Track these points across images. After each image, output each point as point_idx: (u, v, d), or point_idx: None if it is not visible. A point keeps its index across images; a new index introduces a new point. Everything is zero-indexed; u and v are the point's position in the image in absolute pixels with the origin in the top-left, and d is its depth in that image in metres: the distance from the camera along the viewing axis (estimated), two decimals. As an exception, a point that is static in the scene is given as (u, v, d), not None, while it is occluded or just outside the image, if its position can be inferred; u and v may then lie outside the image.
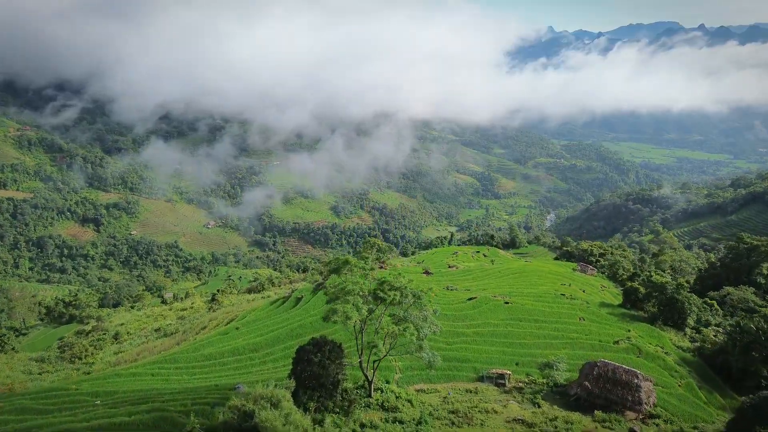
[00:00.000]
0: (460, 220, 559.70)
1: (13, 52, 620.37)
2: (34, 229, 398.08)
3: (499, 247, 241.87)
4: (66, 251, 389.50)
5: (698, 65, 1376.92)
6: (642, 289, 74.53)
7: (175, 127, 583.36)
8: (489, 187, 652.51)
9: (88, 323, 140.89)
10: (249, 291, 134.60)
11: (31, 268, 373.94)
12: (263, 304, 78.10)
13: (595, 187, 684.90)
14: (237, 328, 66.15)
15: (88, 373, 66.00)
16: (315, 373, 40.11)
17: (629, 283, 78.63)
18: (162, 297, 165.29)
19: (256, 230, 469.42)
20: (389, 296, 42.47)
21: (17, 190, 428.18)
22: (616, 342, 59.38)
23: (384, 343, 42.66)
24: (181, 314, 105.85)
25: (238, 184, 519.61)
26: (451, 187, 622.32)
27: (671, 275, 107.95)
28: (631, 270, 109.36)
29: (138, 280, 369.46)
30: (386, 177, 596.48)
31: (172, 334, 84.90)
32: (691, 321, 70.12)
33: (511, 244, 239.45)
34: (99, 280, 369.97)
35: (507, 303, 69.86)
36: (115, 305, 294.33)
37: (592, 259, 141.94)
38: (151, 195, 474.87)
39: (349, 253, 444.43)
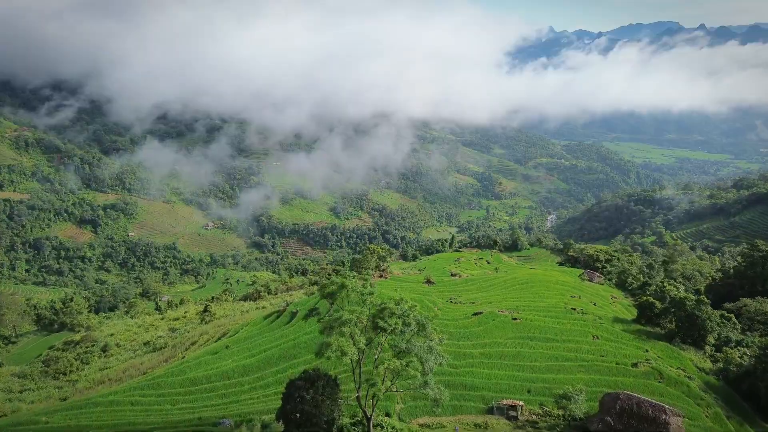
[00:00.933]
0: (460, 220, 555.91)
1: (9, 51, 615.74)
2: (31, 231, 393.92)
3: (501, 250, 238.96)
4: (63, 253, 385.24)
5: (699, 65, 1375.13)
6: (658, 304, 70.20)
7: (173, 128, 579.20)
8: (489, 188, 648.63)
9: (78, 331, 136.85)
10: (245, 298, 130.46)
11: (27, 270, 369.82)
12: (256, 318, 73.83)
13: (596, 187, 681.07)
14: (227, 347, 61.84)
15: (65, 399, 61.62)
16: (307, 411, 35.73)
17: (643, 297, 74.18)
18: (157, 303, 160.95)
19: (255, 231, 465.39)
20: (390, 325, 38.08)
21: (14, 191, 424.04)
22: (635, 364, 55.06)
23: (384, 380, 38.11)
24: (173, 325, 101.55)
25: (236, 185, 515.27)
26: (451, 187, 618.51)
27: (683, 284, 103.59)
28: (642, 279, 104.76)
29: (135, 282, 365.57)
30: (386, 177, 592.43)
31: (161, 348, 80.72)
32: (711, 339, 65.79)
33: (512, 247, 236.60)
34: (96, 282, 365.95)
35: (515, 319, 65.51)
36: (112, 308, 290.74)
37: (599, 265, 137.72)
38: (149, 196, 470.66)
39: (348, 254, 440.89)
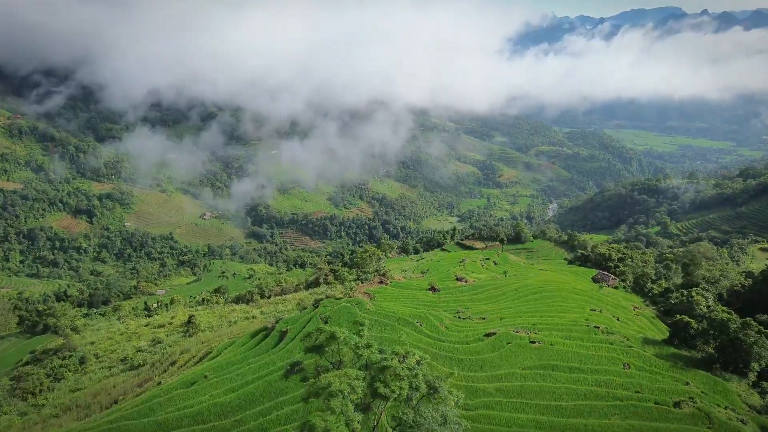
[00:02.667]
0: (461, 210, 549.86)
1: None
2: (25, 221, 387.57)
3: (504, 243, 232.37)
4: (58, 244, 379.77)
5: (703, 51, 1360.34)
6: (694, 324, 62.52)
7: (168, 115, 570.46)
8: (490, 176, 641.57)
9: (62, 334, 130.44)
10: (237, 300, 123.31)
11: (21, 262, 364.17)
12: (243, 337, 66.26)
13: (597, 176, 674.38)
14: (205, 376, 54.44)
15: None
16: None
17: (679, 316, 66.22)
18: (146, 303, 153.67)
19: (254, 221, 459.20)
20: (394, 390, 30.11)
21: (7, 180, 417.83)
22: (677, 404, 47.30)
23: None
24: (157, 333, 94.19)
25: (233, 174, 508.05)
26: (452, 176, 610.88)
27: (707, 289, 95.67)
28: (663, 285, 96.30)
29: (132, 274, 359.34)
30: (385, 166, 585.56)
31: (138, 366, 73.48)
32: (756, 365, 58.22)
33: (516, 239, 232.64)
34: (91, 273, 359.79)
35: (533, 342, 57.78)
36: (105, 302, 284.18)
37: (611, 264, 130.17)
38: (145, 185, 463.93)
39: (348, 244, 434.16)
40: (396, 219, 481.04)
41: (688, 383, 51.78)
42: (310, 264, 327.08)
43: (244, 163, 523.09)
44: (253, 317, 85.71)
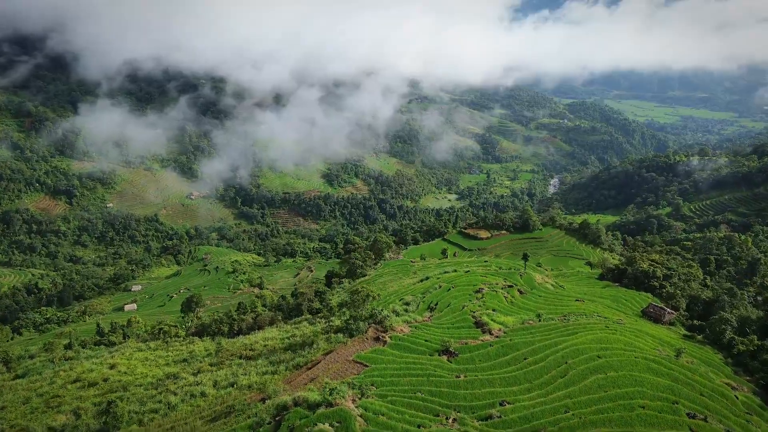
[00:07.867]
0: (460, 186, 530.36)
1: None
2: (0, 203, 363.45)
3: (511, 231, 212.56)
4: (35, 227, 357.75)
5: (709, 18, 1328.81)
6: None
7: (149, 86, 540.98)
8: (490, 150, 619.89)
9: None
10: (201, 331, 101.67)
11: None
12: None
13: (600, 149, 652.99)
14: None
15: None
16: None
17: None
18: (98, 325, 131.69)
19: (243, 201, 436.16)
20: None
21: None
22: None
23: None
24: (83, 402, 71.32)
25: (223, 150, 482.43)
26: (450, 150, 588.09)
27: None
28: (756, 340, 72.09)
29: (113, 259, 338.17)
30: (382, 141, 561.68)
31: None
32: None
33: (523, 227, 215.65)
34: (69, 260, 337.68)
35: None
36: (77, 297, 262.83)
37: (655, 283, 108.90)
38: (129, 163, 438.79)
39: (342, 225, 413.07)
40: (393, 198, 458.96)
41: None
42: (301, 253, 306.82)
43: (230, 137, 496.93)
44: (203, 394, 63.26)
